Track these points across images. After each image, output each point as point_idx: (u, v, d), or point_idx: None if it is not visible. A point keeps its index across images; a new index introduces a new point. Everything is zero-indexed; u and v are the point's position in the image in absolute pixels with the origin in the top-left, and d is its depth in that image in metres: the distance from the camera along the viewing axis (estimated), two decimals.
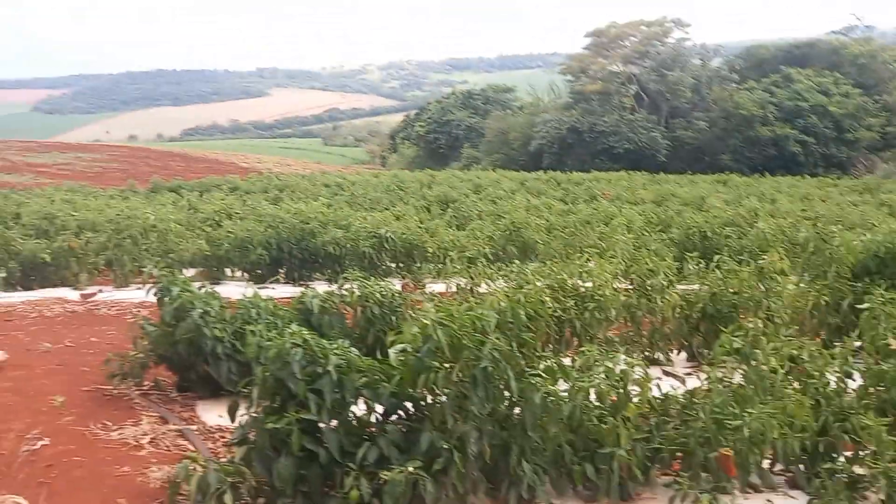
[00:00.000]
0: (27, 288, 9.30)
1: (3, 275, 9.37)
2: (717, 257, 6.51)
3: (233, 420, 3.70)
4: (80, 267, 9.60)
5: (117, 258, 9.61)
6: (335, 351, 3.55)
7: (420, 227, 11.21)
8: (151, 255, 9.96)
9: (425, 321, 3.29)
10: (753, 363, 3.83)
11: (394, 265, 10.40)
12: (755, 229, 10.32)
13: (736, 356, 3.91)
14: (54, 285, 9.46)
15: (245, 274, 10.41)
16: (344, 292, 5.72)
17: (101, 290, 9.21)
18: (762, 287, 5.92)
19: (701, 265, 6.68)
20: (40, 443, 4.15)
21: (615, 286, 5.71)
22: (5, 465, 3.91)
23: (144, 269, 10.50)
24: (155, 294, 5.41)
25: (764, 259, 6.21)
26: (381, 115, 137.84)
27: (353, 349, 3.68)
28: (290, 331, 3.69)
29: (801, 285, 6.41)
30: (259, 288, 8.86)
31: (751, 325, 4.07)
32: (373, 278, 6.02)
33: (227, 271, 10.56)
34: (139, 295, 9.08)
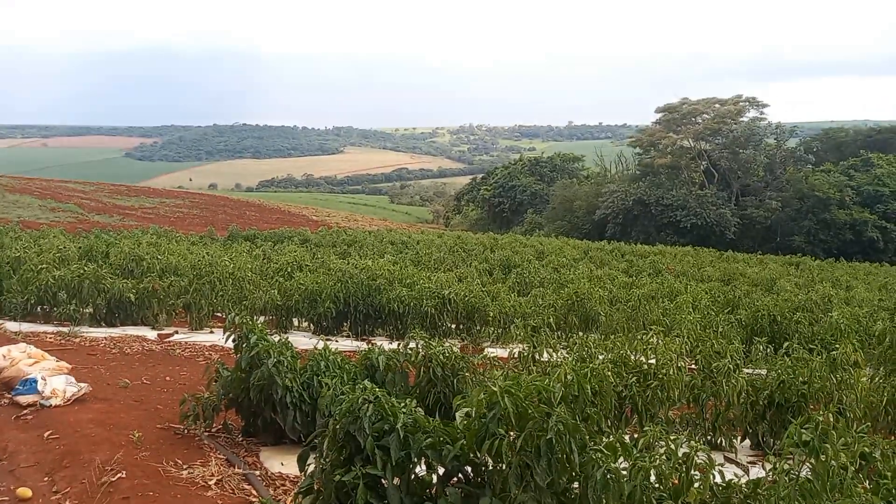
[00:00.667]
0: (110, 324, 9.88)
1: (90, 310, 10.00)
2: (786, 344, 6.36)
3: (301, 469, 3.84)
4: (160, 308, 10.15)
5: (195, 302, 10.12)
6: (403, 410, 3.69)
7: (482, 291, 11.35)
8: (226, 302, 10.44)
9: (493, 388, 3.39)
10: (822, 458, 3.73)
11: (454, 326, 10.53)
12: (828, 317, 9.98)
13: (804, 449, 3.82)
14: (135, 323, 10.01)
15: (311, 325, 10.74)
16: (409, 351, 5.87)
17: (176, 332, 9.70)
18: (834, 378, 5.74)
19: (769, 350, 6.54)
20: (118, 475, 4.40)
21: (679, 365, 5.65)
22: (87, 495, 4.16)
23: (218, 314, 11.03)
24: (233, 340, 5.70)
25: (837, 349, 6.04)
26: (448, 177, 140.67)
27: (419, 409, 3.81)
28: (361, 386, 3.87)
29: (876, 379, 6.17)
30: (324, 340, 9.18)
31: (821, 418, 3.98)
32: (434, 338, 6.17)
33: (295, 321, 10.92)
34: (211, 338, 9.55)
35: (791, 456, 3.84)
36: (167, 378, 7.23)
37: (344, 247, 21.32)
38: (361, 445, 3.58)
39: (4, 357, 6.46)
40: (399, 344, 6.29)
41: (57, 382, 5.82)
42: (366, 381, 4.00)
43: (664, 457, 3.65)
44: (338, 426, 3.63)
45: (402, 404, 3.77)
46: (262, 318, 10.37)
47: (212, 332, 10.02)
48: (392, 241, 24.79)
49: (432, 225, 68.77)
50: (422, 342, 5.92)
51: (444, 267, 16.88)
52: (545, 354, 6.17)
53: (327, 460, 3.69)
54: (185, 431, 5.39)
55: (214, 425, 5.55)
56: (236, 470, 4.73)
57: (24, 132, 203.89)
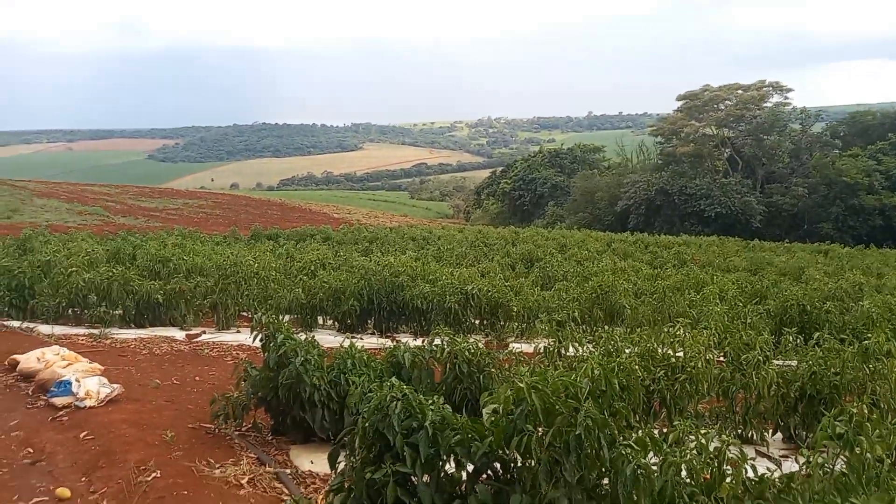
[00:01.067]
0: (139, 325, 10.04)
1: (120, 312, 10.18)
2: (817, 334, 6.26)
3: (332, 467, 3.88)
4: (187, 308, 10.29)
5: (221, 302, 10.24)
6: (431, 407, 3.70)
7: (505, 286, 11.33)
8: (252, 301, 10.55)
9: (520, 384, 3.39)
10: (857, 450, 3.67)
11: (478, 322, 10.53)
12: (859, 306, 9.80)
13: (838, 442, 3.76)
14: (163, 324, 10.17)
15: (335, 323, 10.81)
16: (434, 348, 5.89)
17: (204, 332, 9.83)
18: (867, 369, 5.64)
19: (799, 341, 6.44)
20: (153, 475, 4.49)
21: (708, 358, 5.60)
22: (124, 494, 4.24)
23: (244, 314, 11.15)
24: (260, 340, 5.76)
25: (869, 339, 5.92)
26: (467, 171, 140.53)
27: (446, 406, 3.83)
28: (389, 384, 3.89)
29: None
30: (349, 338, 9.23)
31: (855, 410, 3.91)
32: (458, 334, 6.17)
33: (319, 319, 11.00)
34: (238, 338, 9.66)
35: (825, 449, 3.79)
36: (196, 378, 7.33)
37: (366, 244, 21.42)
38: (391, 443, 3.61)
39: (39, 359, 6.62)
40: (423, 340, 6.31)
41: (90, 384, 5.94)
42: (393, 379, 4.03)
43: (695, 451, 3.62)
44: (367, 424, 3.66)
45: (430, 401, 3.79)
46: (287, 317, 10.46)
47: (238, 331, 10.13)
48: (413, 237, 24.85)
49: (452, 220, 68.77)
50: (447, 339, 5.94)
51: (466, 262, 16.88)
52: (571, 349, 6.15)
53: (357, 458, 3.71)
54: (216, 431, 5.46)
55: (244, 424, 5.62)
56: (267, 469, 4.79)
57: (50, 137, 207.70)
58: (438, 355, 5.81)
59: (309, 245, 19.40)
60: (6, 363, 6.93)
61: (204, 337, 9.49)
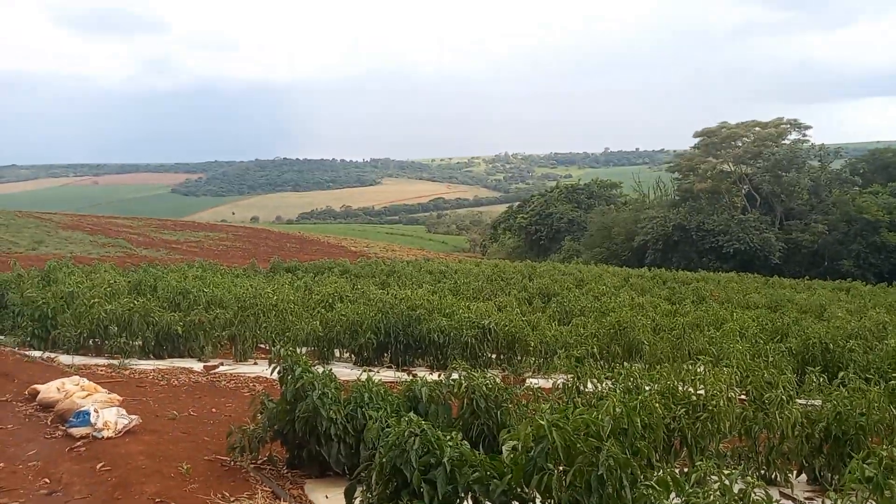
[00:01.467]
0: (158, 357, 10.11)
1: (140, 343, 10.26)
2: (841, 373, 6.13)
3: (349, 503, 3.85)
4: (206, 340, 10.36)
5: (239, 334, 10.29)
6: (449, 443, 3.67)
7: (522, 320, 11.27)
8: (270, 333, 10.59)
9: (540, 421, 3.36)
10: (887, 494, 3.57)
11: (494, 356, 10.46)
12: (884, 345, 9.60)
13: (867, 485, 3.66)
14: (182, 356, 10.22)
15: (352, 356, 10.80)
16: (451, 382, 5.85)
17: (222, 364, 9.86)
18: (894, 410, 5.51)
19: (823, 380, 6.31)
20: None
21: (729, 396, 5.50)
22: None
23: (262, 345, 11.18)
24: (278, 372, 5.77)
25: (895, 378, 5.80)
26: (484, 205, 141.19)
27: (464, 442, 3.79)
28: (406, 419, 3.87)
29: None
30: (365, 371, 9.20)
31: (884, 452, 3.82)
32: (475, 369, 6.14)
33: (336, 352, 10.99)
34: (255, 370, 9.67)
35: (853, 492, 3.69)
36: (213, 410, 7.34)
37: (383, 277, 21.48)
38: (408, 479, 3.58)
39: (59, 390, 6.67)
40: (440, 374, 6.28)
41: (109, 415, 5.97)
42: (410, 414, 4.01)
43: (718, 493, 3.55)
44: (384, 459, 3.64)
45: (448, 437, 3.76)
46: (304, 349, 10.48)
47: (256, 363, 10.15)
48: (430, 271, 24.87)
49: (469, 253, 68.83)
50: (464, 373, 5.90)
51: (482, 296, 16.84)
52: (589, 385, 6.08)
53: (374, 494, 3.69)
54: (232, 463, 5.45)
55: (260, 457, 5.60)
56: (282, 503, 4.76)
57: (77, 171, 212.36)
58: (456, 390, 5.78)
59: (327, 278, 19.49)
60: (27, 393, 6.99)
61: (221, 369, 9.51)
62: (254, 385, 8.75)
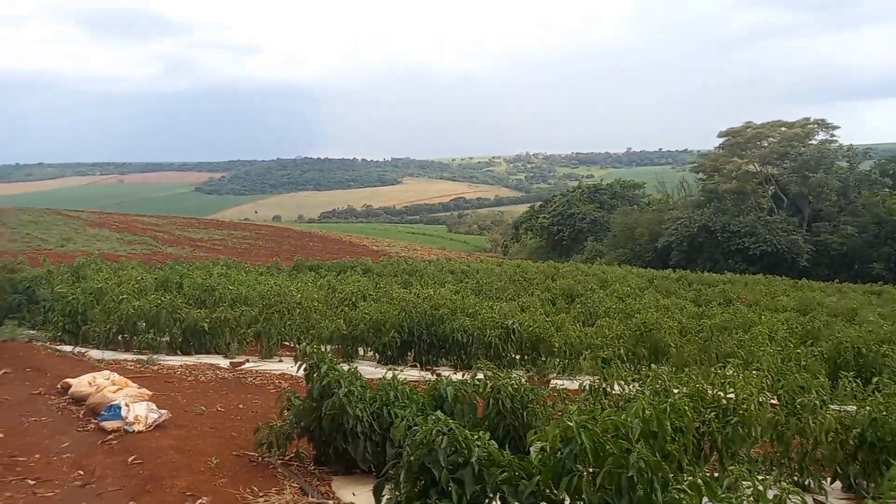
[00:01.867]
0: (185, 352, 10.23)
1: (167, 339, 10.40)
2: (876, 379, 6.00)
3: (378, 501, 3.85)
4: (231, 337, 10.46)
5: (265, 331, 10.38)
6: (477, 442, 3.66)
7: (546, 321, 11.21)
8: (294, 331, 10.66)
9: (568, 422, 3.33)
10: None
11: (518, 357, 10.42)
12: None
13: None
14: (208, 352, 10.34)
15: (375, 354, 10.83)
16: (476, 382, 5.83)
17: (247, 360, 9.95)
18: None
19: (857, 385, 6.18)
20: (199, 501, 4.52)
21: (760, 400, 5.41)
22: None
23: (286, 343, 11.27)
24: (304, 369, 5.80)
25: None
26: (505, 205, 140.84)
27: (492, 442, 3.78)
28: (433, 417, 3.86)
29: None
30: (389, 369, 9.21)
31: None
32: (499, 369, 6.11)
33: (360, 350, 11.04)
34: (280, 367, 9.75)
35: (892, 500, 3.61)
36: (240, 406, 7.40)
37: (405, 276, 21.51)
38: (436, 478, 3.57)
39: (90, 384, 6.78)
40: (464, 374, 6.26)
41: (139, 409, 6.05)
42: (438, 412, 4.00)
43: (752, 498, 3.49)
44: (412, 458, 3.64)
45: (476, 437, 3.75)
46: (328, 347, 10.54)
47: (281, 360, 10.23)
48: (452, 271, 24.87)
49: (490, 254, 68.71)
50: (489, 373, 5.89)
51: (505, 296, 16.79)
52: (616, 387, 6.02)
53: (402, 492, 3.69)
54: (260, 459, 5.49)
55: (287, 453, 5.63)
56: (310, 499, 4.78)
57: (102, 169, 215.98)
58: (481, 390, 5.76)
59: (349, 276, 19.59)
60: (59, 386, 7.12)
61: (247, 365, 9.60)
62: (279, 382, 8.82)
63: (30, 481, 4.79)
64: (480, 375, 5.87)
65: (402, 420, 4.21)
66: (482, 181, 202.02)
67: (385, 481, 3.89)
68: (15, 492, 4.60)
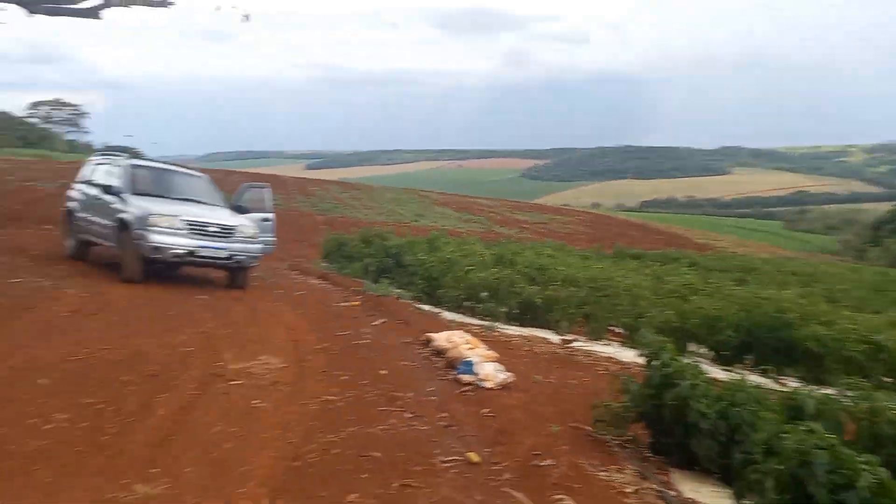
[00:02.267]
0: (520, 324, 11.01)
1: (505, 310, 11.31)
2: None
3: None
4: (561, 315, 10.92)
5: (593, 313, 10.60)
6: (865, 467, 3.23)
7: None
8: (621, 316, 10.67)
9: None
10: None
11: (889, 380, 8.83)
12: None
13: None
14: (539, 326, 10.96)
15: (708, 352, 10.25)
16: (845, 399, 5.14)
17: (576, 339, 10.29)
18: None
19: None
20: (546, 461, 4.84)
21: None
22: (522, 471, 4.67)
23: (611, 327, 11.36)
24: (645, 356, 5.78)
25: None
26: (861, 202, 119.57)
27: (884, 469, 3.29)
28: (806, 428, 3.52)
29: None
30: (725, 370, 8.66)
31: None
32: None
33: (690, 346, 10.56)
34: (607, 350, 9.86)
35: None
36: (571, 381, 7.69)
37: (738, 273, 19.83)
38: (810, 494, 3.26)
39: (448, 340, 7.75)
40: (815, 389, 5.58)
41: (489, 367, 6.72)
42: (812, 424, 3.63)
43: None
44: (783, 467, 3.37)
45: (863, 460, 3.31)
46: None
47: (608, 343, 10.35)
48: (794, 272, 22.13)
49: (838, 257, 59.22)
50: (862, 392, 5.13)
51: (868, 308, 14.35)
52: None
53: (766, 501, 3.45)
54: (596, 435, 5.65)
55: (622, 435, 5.70)
56: (650, 484, 4.77)
57: (445, 155, 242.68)
58: (853, 409, 5.04)
59: (675, 268, 18.81)
60: (423, 339, 8.29)
61: (576, 344, 9.93)
62: (606, 364, 8.93)
63: (407, 414, 5.66)
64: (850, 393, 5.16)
65: (765, 424, 3.91)
66: (830, 173, 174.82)
67: (746, 487, 3.68)
68: (397, 420, 5.49)
